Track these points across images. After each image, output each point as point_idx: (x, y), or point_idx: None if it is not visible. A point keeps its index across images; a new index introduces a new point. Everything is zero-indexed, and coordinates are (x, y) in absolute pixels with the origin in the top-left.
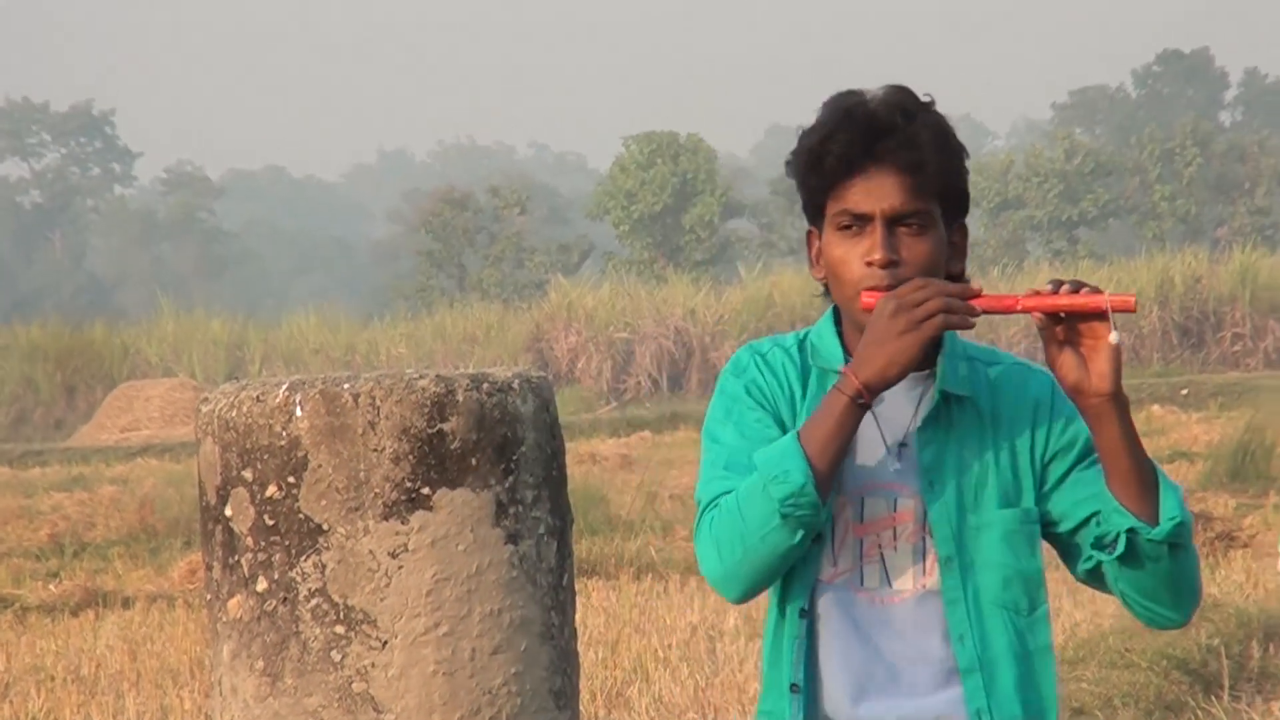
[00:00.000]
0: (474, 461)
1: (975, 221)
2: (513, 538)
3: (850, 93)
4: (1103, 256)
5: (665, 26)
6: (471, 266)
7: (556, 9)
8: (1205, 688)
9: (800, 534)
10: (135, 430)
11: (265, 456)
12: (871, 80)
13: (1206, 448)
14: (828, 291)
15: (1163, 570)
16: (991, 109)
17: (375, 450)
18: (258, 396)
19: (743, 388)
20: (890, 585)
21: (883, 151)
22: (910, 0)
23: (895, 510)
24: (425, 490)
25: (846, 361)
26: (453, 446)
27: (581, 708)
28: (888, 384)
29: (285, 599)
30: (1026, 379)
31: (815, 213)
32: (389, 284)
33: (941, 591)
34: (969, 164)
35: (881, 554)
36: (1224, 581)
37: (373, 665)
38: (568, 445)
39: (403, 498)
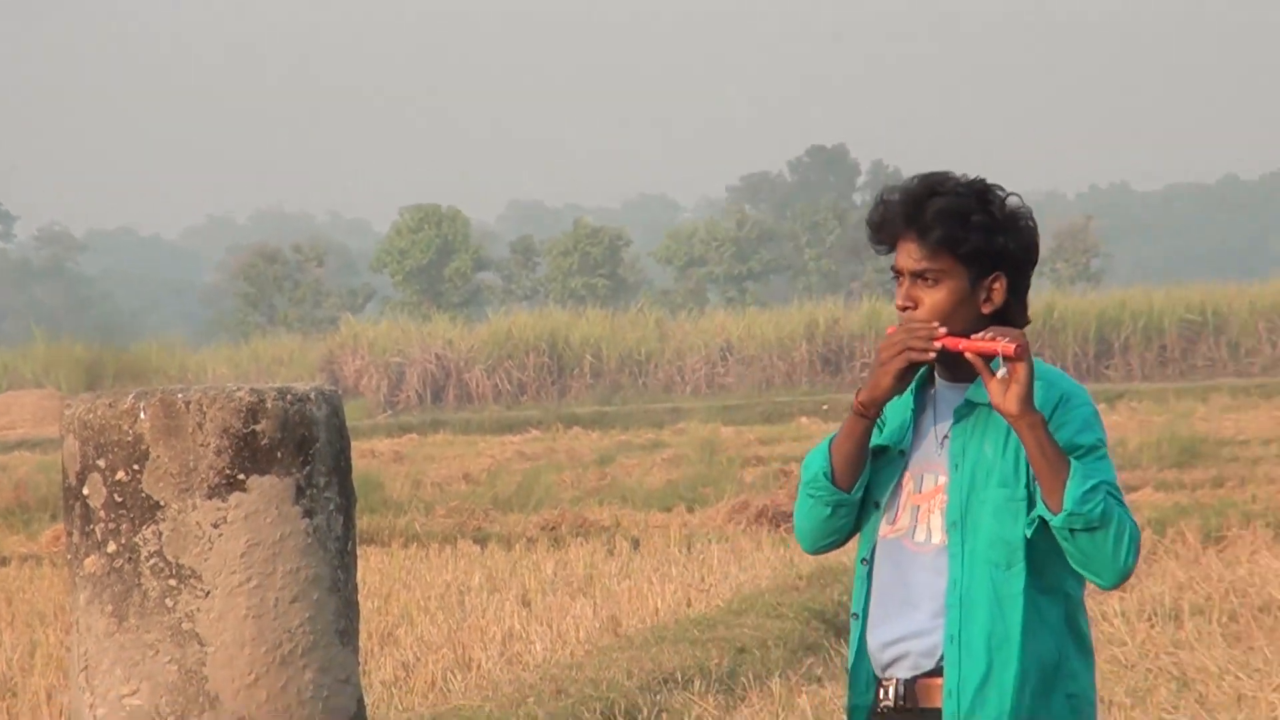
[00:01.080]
0: (279, 454)
1: (668, 275)
2: (308, 513)
3: (898, 183)
4: (765, 304)
5: (432, 111)
6: (279, 306)
7: (343, 96)
8: (837, 633)
9: (828, 509)
10: (12, 429)
11: (115, 449)
12: (584, 157)
13: None
14: None
15: (1076, 547)
16: (681, 188)
17: (202, 445)
18: (110, 403)
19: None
20: (931, 539)
21: (907, 223)
22: (618, 99)
23: (938, 481)
24: (241, 476)
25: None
26: (263, 443)
27: (360, 644)
28: (877, 403)
29: (130, 559)
30: (1058, 378)
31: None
32: (215, 319)
33: (947, 546)
34: (1028, 227)
35: (931, 515)
36: (851, 549)
37: (198, 610)
38: (353, 443)
39: (223, 482)
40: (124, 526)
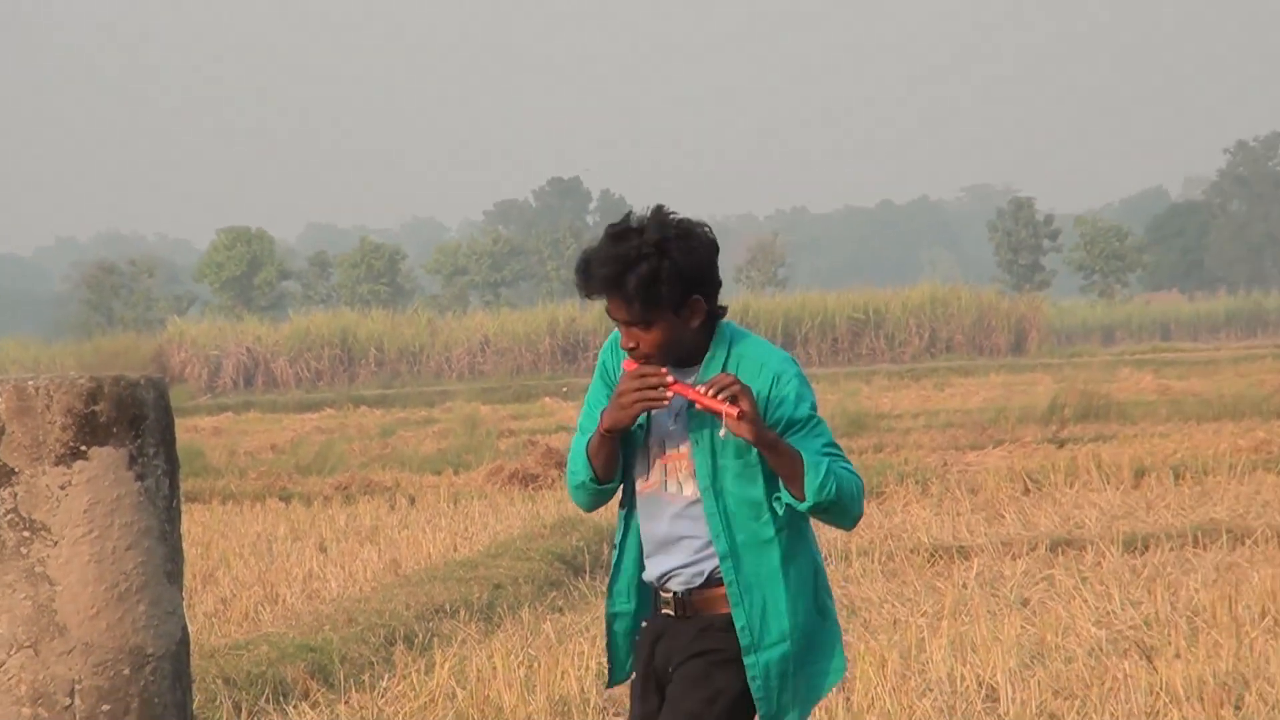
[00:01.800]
0: (114, 430)
1: (437, 284)
2: (140, 476)
3: (588, 251)
4: (516, 305)
5: (243, 142)
6: (117, 310)
7: (169, 123)
8: (575, 572)
9: (593, 494)
10: None
11: None
12: (369, 186)
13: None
14: None
15: (822, 518)
16: (447, 212)
17: (49, 422)
18: None
19: (599, 366)
20: (682, 491)
21: (612, 291)
22: (396, 137)
23: (679, 449)
24: (83, 447)
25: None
26: (101, 420)
27: (185, 583)
28: (619, 431)
29: None
30: (768, 357)
31: None
32: (62, 321)
33: (703, 506)
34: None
35: (678, 473)
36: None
37: (48, 556)
38: (177, 420)
39: (67, 452)
40: None
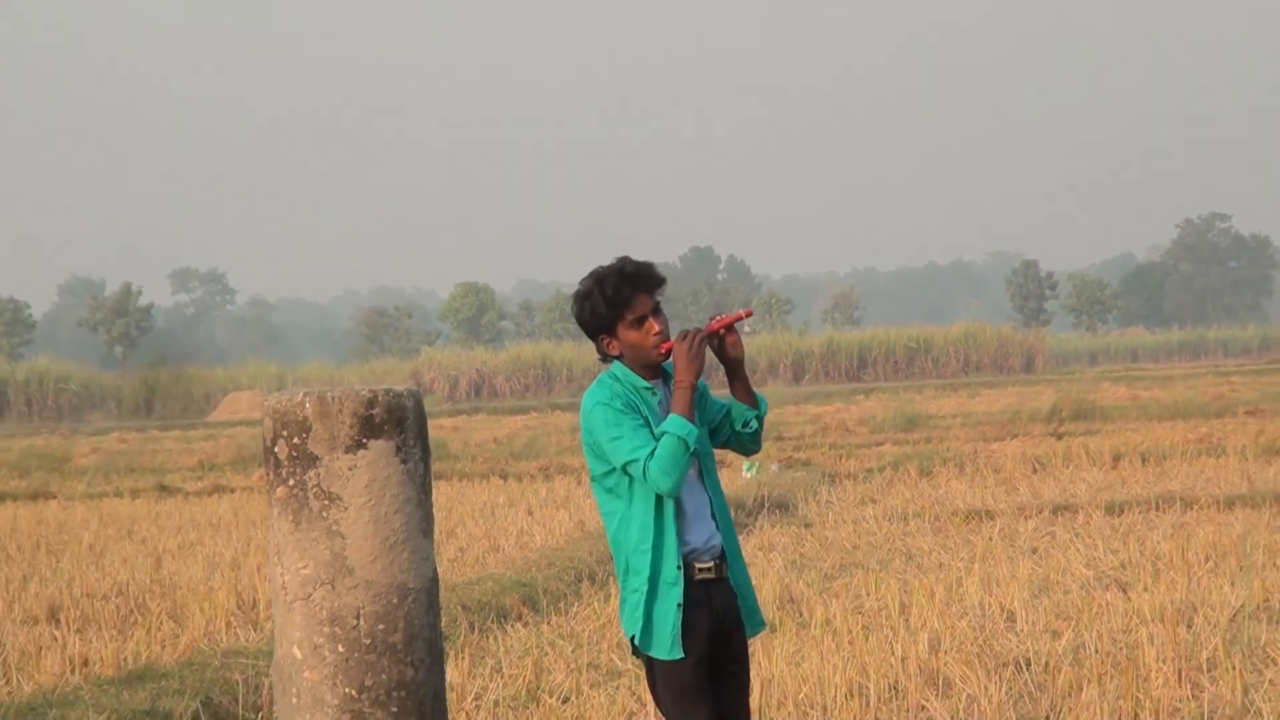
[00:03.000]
0: (386, 428)
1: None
2: (404, 461)
3: (611, 271)
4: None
5: (479, 213)
6: (386, 343)
7: (424, 207)
8: None
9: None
10: (236, 414)
11: (292, 425)
12: (573, 248)
13: None
14: (605, 358)
15: (754, 436)
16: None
17: (341, 422)
18: (289, 398)
19: (619, 406)
20: (700, 480)
21: (646, 288)
22: (584, 212)
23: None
24: (365, 440)
25: (643, 382)
26: (377, 421)
27: (434, 538)
28: (697, 378)
29: (301, 489)
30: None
31: (610, 326)
32: (348, 350)
33: (706, 488)
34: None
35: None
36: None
37: (341, 519)
38: (429, 421)
39: (354, 443)
40: (298, 470)
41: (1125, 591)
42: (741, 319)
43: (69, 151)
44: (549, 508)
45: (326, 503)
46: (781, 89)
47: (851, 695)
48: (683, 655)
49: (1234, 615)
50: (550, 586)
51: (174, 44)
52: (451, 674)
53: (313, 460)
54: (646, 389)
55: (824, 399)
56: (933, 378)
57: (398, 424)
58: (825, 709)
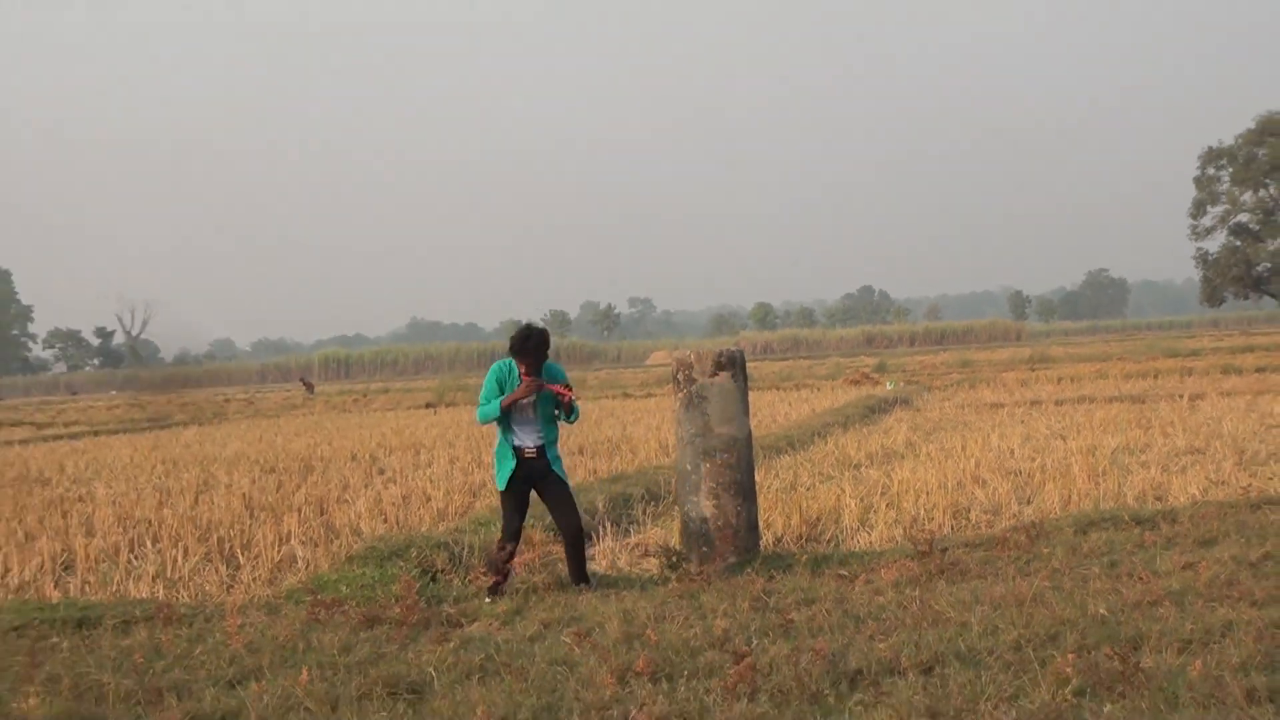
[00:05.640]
0: (728, 366)
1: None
2: (735, 380)
3: (519, 335)
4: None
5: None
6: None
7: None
8: (872, 411)
9: (495, 420)
10: None
11: (686, 368)
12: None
13: None
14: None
15: (568, 421)
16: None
17: (707, 363)
18: (684, 355)
19: (497, 376)
20: (531, 414)
21: (531, 352)
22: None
23: (532, 400)
24: (719, 372)
25: (519, 369)
26: (723, 362)
27: (750, 418)
28: (526, 398)
29: (692, 396)
30: (555, 369)
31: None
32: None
33: (537, 418)
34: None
35: (530, 404)
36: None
37: (708, 410)
38: (747, 362)
39: (712, 373)
40: (688, 386)
41: (1064, 439)
42: (563, 392)
43: None
44: (797, 403)
45: (701, 400)
46: None
47: (939, 487)
48: (503, 488)
49: (1113, 451)
50: (800, 437)
51: None
52: (760, 476)
53: (693, 380)
54: (518, 373)
55: (925, 353)
56: (969, 343)
57: (731, 363)
58: (929, 493)
